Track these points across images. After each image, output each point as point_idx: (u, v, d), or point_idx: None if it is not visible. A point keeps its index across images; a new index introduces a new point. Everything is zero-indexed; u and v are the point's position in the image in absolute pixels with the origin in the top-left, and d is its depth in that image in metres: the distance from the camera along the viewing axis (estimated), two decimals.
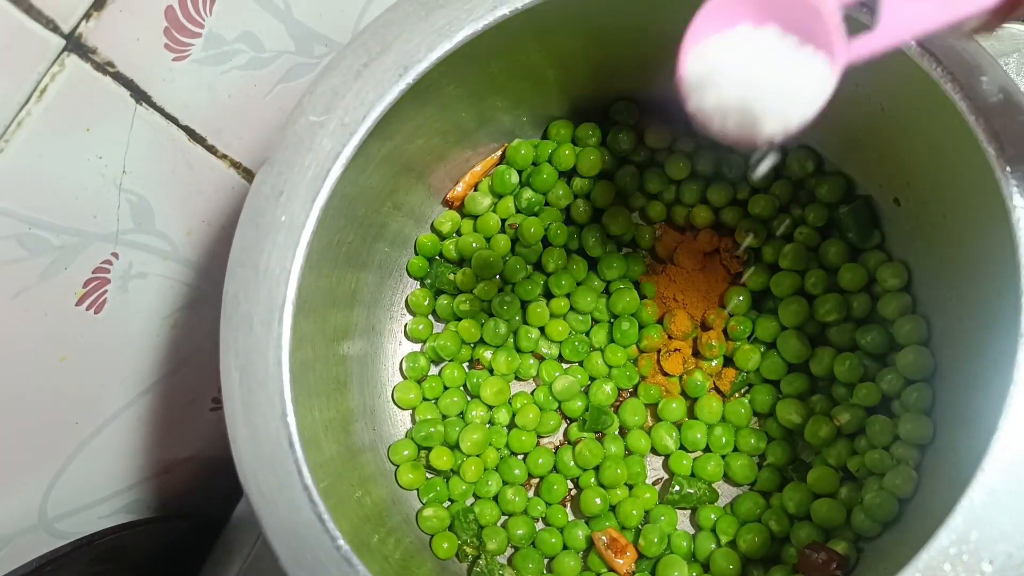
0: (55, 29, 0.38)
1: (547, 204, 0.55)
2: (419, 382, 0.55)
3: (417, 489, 0.53)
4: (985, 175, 0.36)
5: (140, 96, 0.44)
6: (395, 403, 0.55)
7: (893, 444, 0.46)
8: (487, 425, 0.54)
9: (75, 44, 0.39)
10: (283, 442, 0.40)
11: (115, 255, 0.47)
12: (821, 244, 0.51)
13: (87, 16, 0.39)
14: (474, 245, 0.55)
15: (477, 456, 0.53)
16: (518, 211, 0.55)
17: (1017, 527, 0.32)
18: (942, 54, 0.36)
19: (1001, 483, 0.33)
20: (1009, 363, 0.34)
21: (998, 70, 0.37)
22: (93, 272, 0.47)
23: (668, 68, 0.50)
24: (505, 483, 0.53)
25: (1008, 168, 0.35)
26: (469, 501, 0.53)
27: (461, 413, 0.55)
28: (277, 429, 0.40)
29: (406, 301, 0.56)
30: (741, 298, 0.52)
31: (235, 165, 0.52)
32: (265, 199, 0.42)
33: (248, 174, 0.53)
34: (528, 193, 0.54)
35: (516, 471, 0.53)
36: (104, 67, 0.41)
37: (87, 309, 0.48)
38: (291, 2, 0.49)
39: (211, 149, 0.49)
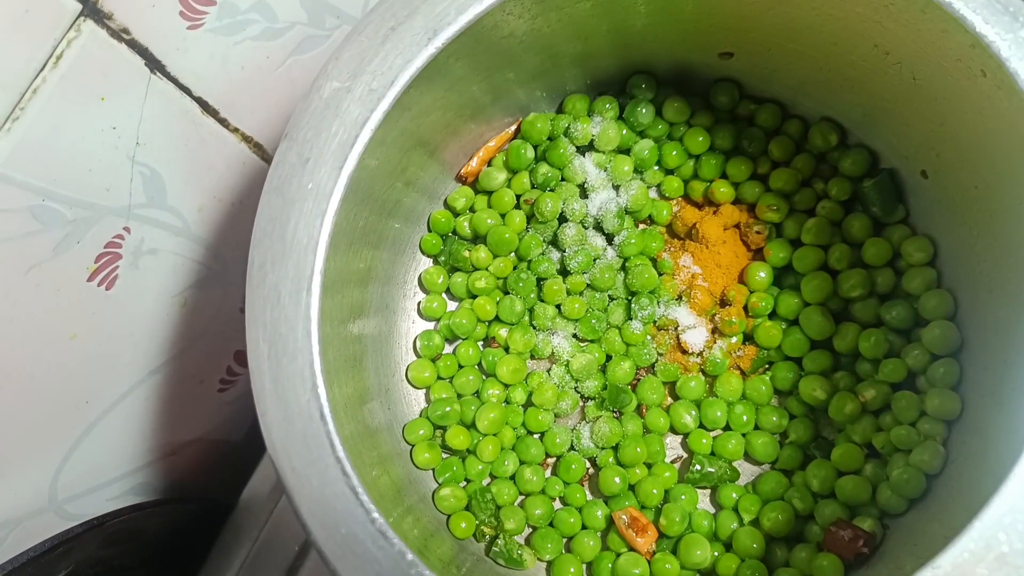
0: None
1: (563, 179, 0.54)
2: (433, 361, 0.54)
3: (433, 469, 0.52)
4: None
5: (155, 65, 0.43)
6: (409, 382, 0.54)
7: (919, 420, 0.45)
8: (503, 404, 0.53)
9: (91, 9, 0.38)
10: (315, 415, 0.39)
11: (127, 230, 0.46)
12: (844, 218, 0.50)
13: None
14: (489, 222, 0.54)
15: (494, 435, 0.52)
16: (533, 186, 0.54)
17: None
18: (986, 14, 0.36)
19: None
20: None
21: None
22: (105, 247, 0.46)
23: (687, 41, 0.50)
24: (522, 463, 0.52)
25: None
26: (486, 481, 0.52)
27: (477, 392, 0.54)
28: (308, 402, 0.39)
29: (419, 279, 0.56)
30: (763, 274, 0.51)
31: (247, 139, 0.51)
32: (291, 166, 0.41)
33: (259, 149, 0.52)
34: (544, 168, 0.54)
35: (533, 450, 0.52)
36: (120, 34, 0.40)
37: (99, 285, 0.47)
38: None
39: (223, 122, 0.49)
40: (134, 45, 0.41)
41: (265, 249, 0.41)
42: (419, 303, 0.56)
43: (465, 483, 0.52)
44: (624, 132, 0.53)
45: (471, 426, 0.52)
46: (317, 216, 0.40)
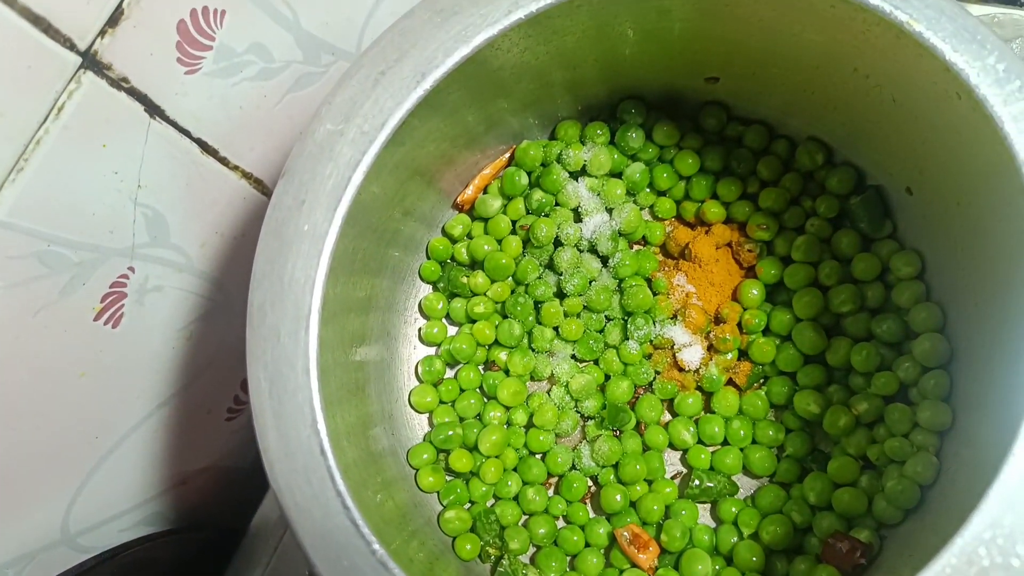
0: (72, 47, 0.38)
1: (557, 204, 0.55)
2: (435, 385, 0.55)
3: (438, 492, 0.53)
4: (1003, 159, 0.36)
5: (154, 110, 0.44)
6: (412, 407, 0.55)
7: (912, 432, 0.46)
8: (505, 426, 0.54)
9: (91, 61, 0.39)
10: (315, 450, 0.40)
11: (131, 269, 0.48)
12: (833, 235, 0.51)
13: (102, 33, 0.39)
14: (486, 248, 0.55)
15: (496, 457, 0.53)
16: (528, 212, 0.55)
17: None
18: (955, 42, 0.37)
19: None
20: None
21: (1011, 54, 0.37)
22: (110, 287, 0.47)
23: (674, 67, 0.51)
24: (525, 483, 0.53)
25: None
26: (490, 502, 0.53)
27: (478, 415, 0.55)
28: (309, 438, 0.40)
29: (419, 305, 0.57)
30: (755, 291, 0.52)
31: (246, 176, 0.52)
32: (287, 209, 0.42)
33: (259, 184, 0.53)
34: (538, 194, 0.55)
35: (535, 471, 0.53)
36: (119, 83, 0.41)
37: (105, 324, 0.48)
38: (299, 12, 0.49)
39: (223, 161, 0.50)
40: (133, 92, 0.42)
41: (264, 290, 0.42)
42: (420, 329, 0.57)
43: (469, 505, 0.53)
44: (615, 156, 0.54)
45: (474, 448, 0.53)
46: (313, 257, 0.41)
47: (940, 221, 0.46)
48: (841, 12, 0.40)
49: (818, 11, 0.41)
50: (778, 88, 0.50)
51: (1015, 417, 0.34)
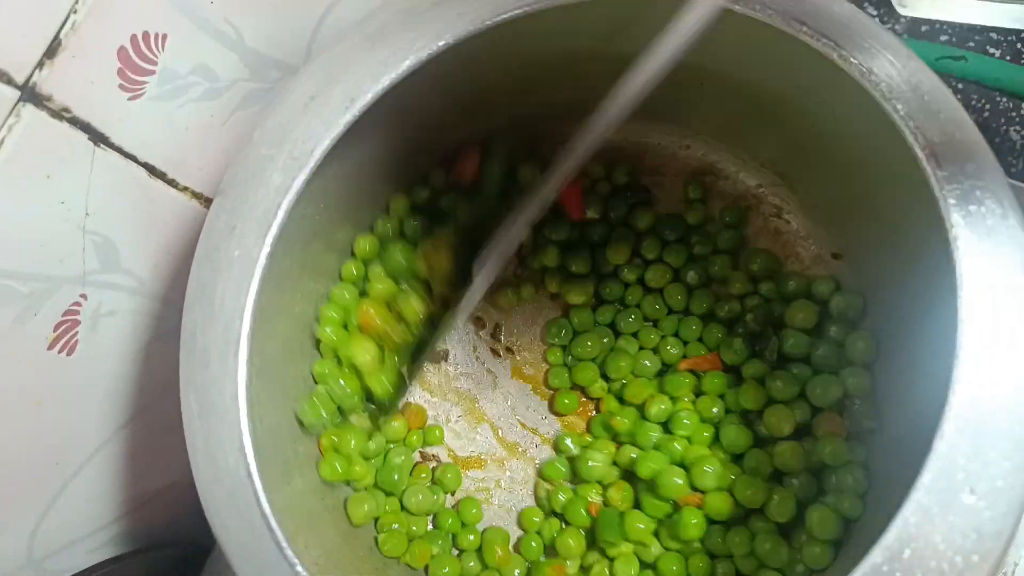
0: (9, 81, 0.38)
1: None
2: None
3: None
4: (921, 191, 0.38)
5: (98, 138, 0.43)
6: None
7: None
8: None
9: (30, 94, 0.39)
10: (242, 473, 0.41)
11: (83, 296, 0.47)
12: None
13: (40, 65, 0.39)
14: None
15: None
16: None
17: (948, 545, 0.34)
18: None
19: (934, 502, 0.34)
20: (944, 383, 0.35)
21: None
22: (63, 315, 0.47)
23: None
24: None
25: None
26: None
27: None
28: (236, 461, 0.41)
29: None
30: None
31: (196, 196, 0.52)
32: (219, 234, 0.43)
33: (209, 203, 0.53)
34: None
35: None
36: (60, 113, 0.41)
37: (59, 352, 0.48)
38: (242, 31, 0.49)
39: (172, 183, 0.49)
40: (75, 122, 0.42)
41: (195, 314, 0.43)
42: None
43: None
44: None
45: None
46: (244, 282, 0.42)
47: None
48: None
49: None
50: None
51: (920, 456, 0.35)
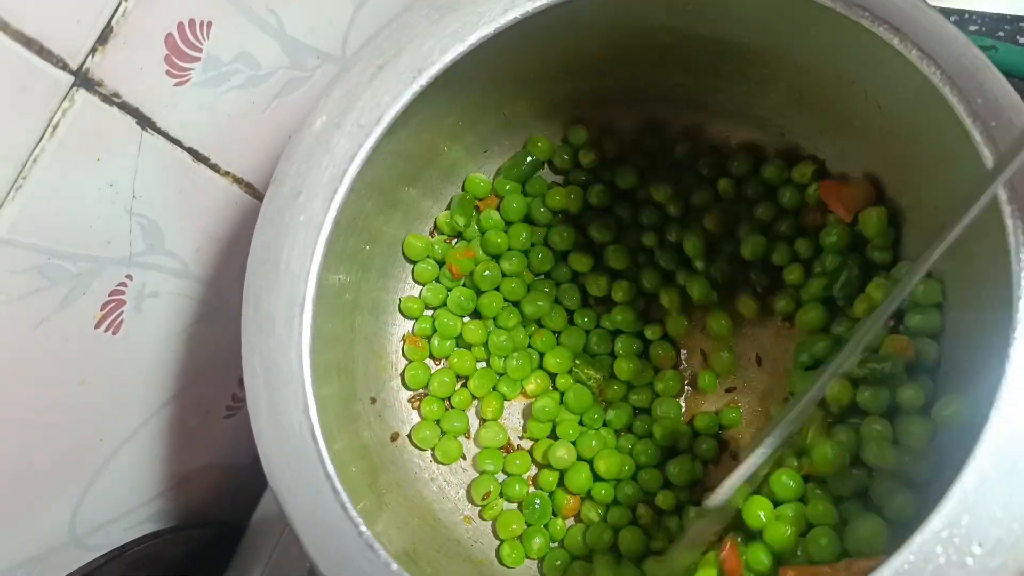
0: (64, 67, 0.39)
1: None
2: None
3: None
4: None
5: (145, 123, 0.45)
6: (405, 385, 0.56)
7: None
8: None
9: (83, 79, 0.40)
10: (306, 436, 0.41)
11: (129, 277, 0.49)
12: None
13: (93, 51, 0.40)
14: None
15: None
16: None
17: (1007, 512, 0.33)
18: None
19: (993, 470, 0.34)
20: (1001, 358, 0.35)
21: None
22: (109, 295, 0.48)
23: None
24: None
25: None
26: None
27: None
28: (301, 424, 0.41)
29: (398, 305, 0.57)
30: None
31: (237, 181, 0.53)
32: (284, 199, 0.43)
33: (250, 188, 0.54)
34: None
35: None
36: (111, 98, 0.42)
37: (105, 331, 0.49)
38: (283, 20, 0.50)
39: (214, 168, 0.51)
40: (125, 107, 0.43)
41: (259, 277, 0.43)
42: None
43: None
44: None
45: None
46: (309, 246, 0.43)
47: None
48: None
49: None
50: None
51: (979, 424, 0.35)
